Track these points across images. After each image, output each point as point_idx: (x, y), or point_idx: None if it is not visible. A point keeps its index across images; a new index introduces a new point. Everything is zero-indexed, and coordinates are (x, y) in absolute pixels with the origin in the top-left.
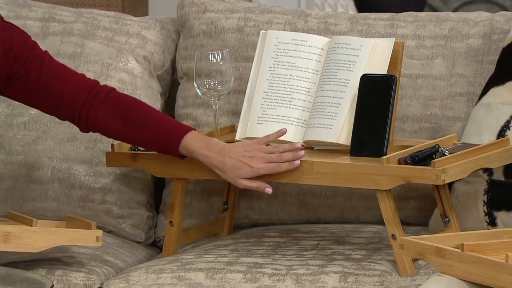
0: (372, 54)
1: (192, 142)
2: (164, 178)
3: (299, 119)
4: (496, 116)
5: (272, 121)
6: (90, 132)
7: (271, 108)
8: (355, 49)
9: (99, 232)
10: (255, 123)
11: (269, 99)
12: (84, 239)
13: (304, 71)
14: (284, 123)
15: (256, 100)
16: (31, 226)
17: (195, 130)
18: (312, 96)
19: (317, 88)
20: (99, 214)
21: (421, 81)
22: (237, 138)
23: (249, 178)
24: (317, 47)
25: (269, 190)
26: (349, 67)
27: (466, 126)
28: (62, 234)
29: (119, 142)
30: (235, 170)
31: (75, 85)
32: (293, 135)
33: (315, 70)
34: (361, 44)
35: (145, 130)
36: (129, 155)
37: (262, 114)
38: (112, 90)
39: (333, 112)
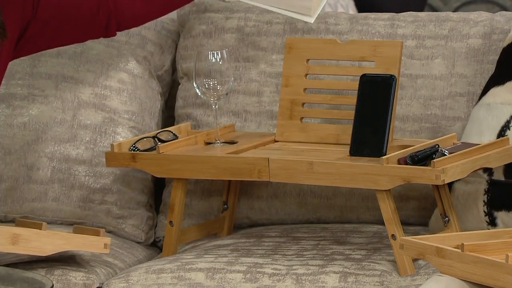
0: None
1: None
2: (164, 178)
3: None
4: (496, 116)
5: None
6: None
7: None
8: None
9: (108, 240)
10: None
11: None
12: (92, 245)
13: None
14: None
15: None
16: (40, 229)
17: None
18: None
19: None
20: (99, 214)
21: (421, 81)
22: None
23: None
24: None
25: None
26: None
27: (466, 126)
28: (71, 239)
29: (119, 142)
30: None
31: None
32: None
33: None
34: None
35: None
36: (129, 155)
37: None
38: None
39: None
